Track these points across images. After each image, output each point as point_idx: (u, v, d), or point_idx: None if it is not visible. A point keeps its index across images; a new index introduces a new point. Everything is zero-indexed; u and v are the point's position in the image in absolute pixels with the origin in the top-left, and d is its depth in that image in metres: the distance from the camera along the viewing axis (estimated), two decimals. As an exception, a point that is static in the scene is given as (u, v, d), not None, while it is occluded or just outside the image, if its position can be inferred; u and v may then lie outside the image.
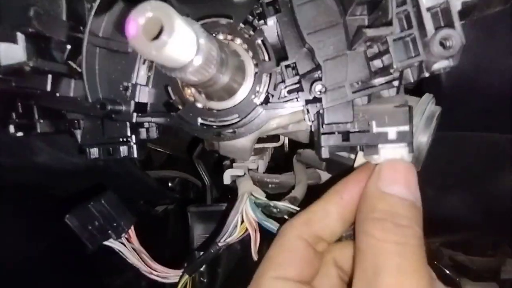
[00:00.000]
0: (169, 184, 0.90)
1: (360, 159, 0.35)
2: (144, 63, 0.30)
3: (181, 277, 0.44)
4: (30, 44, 0.24)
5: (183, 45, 0.18)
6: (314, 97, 0.25)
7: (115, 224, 0.45)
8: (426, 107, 0.37)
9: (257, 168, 0.51)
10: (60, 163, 0.58)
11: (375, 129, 0.29)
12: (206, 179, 0.60)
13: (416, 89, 0.39)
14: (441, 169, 0.52)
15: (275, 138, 0.58)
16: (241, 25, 0.29)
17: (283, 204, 0.37)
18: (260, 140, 0.58)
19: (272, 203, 0.38)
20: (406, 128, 0.28)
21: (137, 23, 0.17)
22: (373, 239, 0.23)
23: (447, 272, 0.85)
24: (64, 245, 0.90)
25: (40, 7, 0.24)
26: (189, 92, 0.32)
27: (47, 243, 0.90)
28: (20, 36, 0.23)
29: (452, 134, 0.47)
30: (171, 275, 0.46)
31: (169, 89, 0.30)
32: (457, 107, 0.44)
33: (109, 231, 0.44)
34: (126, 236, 0.47)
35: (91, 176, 0.63)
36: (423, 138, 0.37)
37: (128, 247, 0.49)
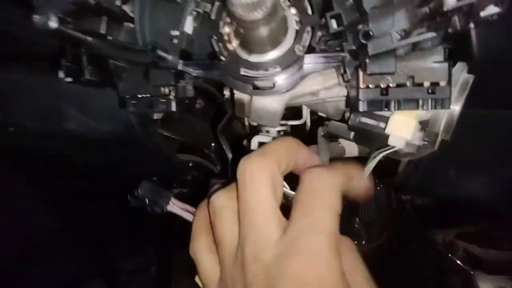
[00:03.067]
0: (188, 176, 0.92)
1: (392, 125, 0.36)
2: (191, 13, 0.31)
3: None
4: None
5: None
6: (360, 45, 0.26)
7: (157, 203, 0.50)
8: (461, 75, 0.37)
9: (282, 140, 0.52)
10: (89, 131, 0.60)
11: (413, 83, 0.29)
12: (228, 152, 0.61)
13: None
14: (466, 149, 0.52)
15: (296, 116, 0.59)
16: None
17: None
18: (282, 117, 0.58)
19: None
20: (444, 83, 0.29)
21: None
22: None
23: (461, 264, 0.85)
24: (78, 227, 0.93)
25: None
26: (232, 46, 0.33)
27: (63, 222, 0.92)
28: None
29: (479, 111, 0.47)
30: None
31: (213, 40, 0.31)
32: (486, 83, 0.44)
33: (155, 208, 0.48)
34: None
35: (118, 147, 0.64)
36: (456, 107, 0.38)
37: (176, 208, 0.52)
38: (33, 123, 0.60)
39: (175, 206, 0.48)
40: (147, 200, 0.45)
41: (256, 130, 0.56)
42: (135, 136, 0.59)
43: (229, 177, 0.66)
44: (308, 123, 0.63)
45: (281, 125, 0.54)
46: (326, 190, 0.29)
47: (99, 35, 0.28)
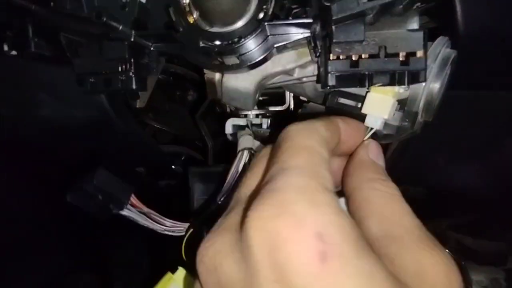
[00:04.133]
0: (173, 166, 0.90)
1: (369, 103, 0.34)
2: (144, -20, 0.28)
3: (187, 230, 0.44)
4: None
5: None
6: (323, 9, 0.24)
7: (114, 198, 0.46)
8: (441, 49, 0.35)
9: (261, 125, 0.50)
10: (63, 117, 0.58)
11: (386, 54, 0.27)
12: (209, 140, 0.59)
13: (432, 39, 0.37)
14: (453, 134, 0.50)
15: (280, 102, 0.57)
16: None
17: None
18: (264, 103, 0.56)
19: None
20: (419, 53, 0.27)
21: None
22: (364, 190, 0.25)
23: (453, 255, 0.83)
24: (65, 219, 0.91)
25: None
26: (192, 18, 0.31)
27: (47, 213, 0.90)
28: None
29: (467, 93, 0.45)
30: (180, 228, 0.46)
31: (171, 10, 0.29)
32: (475, 62, 0.42)
33: (110, 205, 0.45)
34: (130, 204, 0.48)
35: (94, 133, 0.62)
36: (436, 84, 0.35)
37: (135, 212, 0.50)
38: (6, 110, 0.58)
39: (133, 209, 0.44)
40: (100, 195, 0.41)
41: (235, 114, 0.53)
42: (111, 121, 0.57)
43: (209, 164, 0.65)
44: (292, 108, 0.61)
45: (259, 109, 0.52)
46: (300, 133, 0.23)
47: (41, 1, 0.26)
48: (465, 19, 0.39)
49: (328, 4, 0.23)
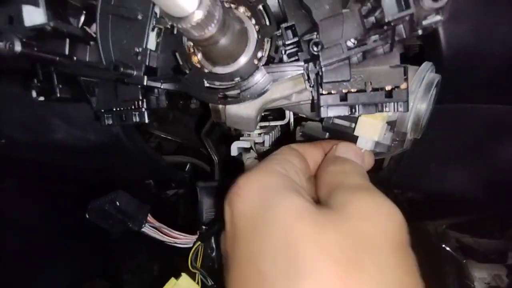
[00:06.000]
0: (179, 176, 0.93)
1: (360, 127, 0.37)
2: (153, 30, 0.32)
3: (194, 243, 0.47)
4: (50, 7, 0.26)
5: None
6: (312, 56, 0.27)
7: (133, 218, 0.50)
8: (425, 74, 0.38)
9: (263, 143, 0.53)
10: (76, 140, 0.61)
11: (372, 88, 0.30)
12: (214, 155, 0.62)
13: (417, 60, 0.41)
14: (443, 143, 0.53)
15: (281, 116, 0.60)
16: (244, -8, 0.31)
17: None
18: (266, 118, 0.59)
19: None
20: (402, 86, 0.30)
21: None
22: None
23: (454, 254, 0.85)
24: (79, 231, 0.95)
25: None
26: (196, 59, 0.34)
27: (62, 226, 0.95)
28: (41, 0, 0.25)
29: (454, 106, 0.48)
30: (188, 240, 0.50)
31: (177, 55, 0.32)
32: (458, 79, 0.45)
33: (129, 224, 0.49)
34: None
35: (105, 154, 0.66)
36: (422, 105, 0.38)
37: (149, 227, 0.54)
38: (21, 134, 0.62)
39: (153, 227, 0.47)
40: (120, 215, 0.44)
41: (239, 132, 0.57)
42: (121, 142, 0.60)
43: (216, 179, 0.68)
44: (292, 123, 0.64)
45: (262, 127, 0.55)
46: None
47: (64, 56, 0.29)
48: (447, 40, 0.42)
49: (316, 53, 0.26)
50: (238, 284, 0.24)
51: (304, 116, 0.53)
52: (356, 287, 0.21)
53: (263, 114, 0.55)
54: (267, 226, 0.24)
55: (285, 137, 0.65)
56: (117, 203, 0.42)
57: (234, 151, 0.49)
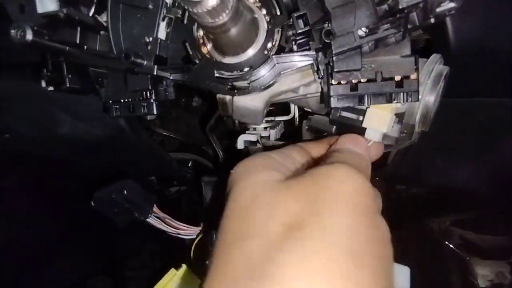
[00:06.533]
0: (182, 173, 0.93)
1: (368, 118, 0.37)
2: (163, 19, 0.32)
3: (198, 234, 0.47)
4: (62, -6, 0.26)
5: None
6: (324, 44, 0.27)
7: (139, 207, 0.50)
8: (434, 66, 0.38)
9: (269, 137, 0.53)
10: (82, 135, 0.61)
11: (382, 78, 0.30)
12: (219, 151, 0.62)
13: (424, 54, 0.41)
14: (450, 137, 0.53)
15: (285, 112, 0.60)
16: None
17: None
18: (271, 113, 0.59)
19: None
20: (412, 76, 0.30)
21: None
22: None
23: (457, 251, 0.85)
24: (83, 228, 0.95)
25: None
26: (206, 49, 0.34)
27: (66, 222, 0.95)
28: (52, -13, 0.25)
29: (461, 100, 0.48)
30: (192, 231, 0.50)
31: (187, 44, 0.32)
32: (466, 73, 0.45)
33: (135, 213, 0.49)
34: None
35: (111, 149, 0.66)
36: (430, 97, 0.38)
37: (154, 218, 0.54)
38: (27, 129, 0.62)
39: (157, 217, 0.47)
40: (126, 204, 0.44)
41: (244, 127, 0.57)
42: (126, 137, 0.60)
43: (221, 174, 0.68)
44: (297, 118, 0.64)
45: (267, 121, 0.55)
46: None
47: (75, 45, 0.29)
48: (455, 34, 0.42)
49: (328, 41, 0.26)
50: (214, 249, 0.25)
51: (310, 110, 0.53)
52: (298, 248, 0.21)
53: (268, 109, 0.55)
54: (235, 194, 0.26)
55: (291, 132, 0.65)
56: (125, 191, 0.42)
57: (240, 144, 0.49)
